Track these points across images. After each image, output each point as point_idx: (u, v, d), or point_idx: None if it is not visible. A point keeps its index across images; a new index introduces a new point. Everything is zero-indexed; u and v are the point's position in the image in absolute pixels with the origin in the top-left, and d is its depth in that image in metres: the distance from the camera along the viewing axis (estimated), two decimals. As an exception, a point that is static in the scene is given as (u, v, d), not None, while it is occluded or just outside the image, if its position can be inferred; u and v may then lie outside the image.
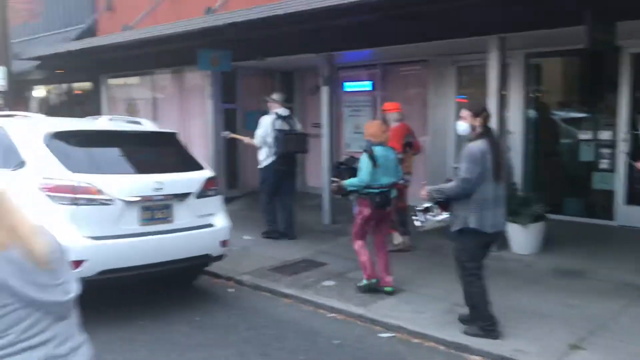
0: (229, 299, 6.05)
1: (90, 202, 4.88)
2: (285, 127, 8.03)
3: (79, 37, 12.78)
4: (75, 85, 15.27)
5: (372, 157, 5.62)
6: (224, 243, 5.79)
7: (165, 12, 10.76)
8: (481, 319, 4.73)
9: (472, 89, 8.97)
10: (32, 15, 15.01)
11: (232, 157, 11.17)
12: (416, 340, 4.90)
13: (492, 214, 4.62)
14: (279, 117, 8.03)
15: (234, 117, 11.30)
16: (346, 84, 10.63)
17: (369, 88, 10.41)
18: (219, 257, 5.87)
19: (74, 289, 1.79)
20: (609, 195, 7.94)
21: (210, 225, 5.70)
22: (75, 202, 4.80)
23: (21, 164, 5.13)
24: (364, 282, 5.90)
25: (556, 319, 5.06)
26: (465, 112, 4.75)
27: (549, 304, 5.45)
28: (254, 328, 5.19)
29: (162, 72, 12.29)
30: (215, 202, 5.81)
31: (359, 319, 5.34)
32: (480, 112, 4.74)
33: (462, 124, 4.77)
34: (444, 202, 4.79)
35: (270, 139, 7.92)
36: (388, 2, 6.55)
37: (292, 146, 8.04)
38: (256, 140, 8.07)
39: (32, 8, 15.02)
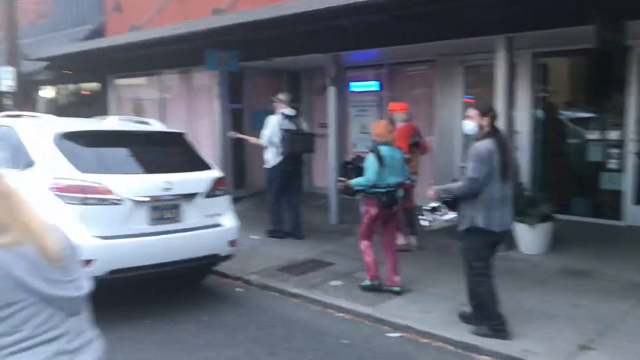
0: (237, 298, 6.07)
1: (100, 202, 4.91)
2: (292, 127, 8.05)
3: (87, 38, 12.84)
4: (83, 85, 15.34)
5: (379, 157, 5.63)
6: (232, 243, 5.81)
7: (173, 13, 10.79)
8: (490, 319, 4.73)
9: (479, 89, 8.96)
10: (40, 15, 15.08)
11: (239, 157, 11.19)
12: (424, 340, 4.91)
13: (500, 213, 4.62)
14: (286, 117, 8.05)
15: (241, 117, 11.33)
16: (353, 84, 10.63)
17: (376, 88, 10.41)
18: (228, 257, 5.89)
19: (85, 285, 1.82)
20: (617, 195, 7.91)
21: (218, 225, 5.72)
22: (84, 202, 4.84)
23: (31, 163, 5.16)
24: (367, 282, 5.93)
25: (564, 319, 5.06)
26: (472, 112, 4.75)
27: (557, 304, 5.44)
28: (262, 328, 5.20)
29: (170, 73, 12.33)
30: (223, 202, 5.84)
31: (367, 319, 5.35)
32: (487, 111, 4.74)
33: (469, 123, 4.77)
34: (451, 202, 4.79)
35: (276, 139, 7.94)
36: (395, 2, 6.56)
37: (298, 146, 8.06)
38: (263, 141, 8.09)
39: (40, 8, 15.09)
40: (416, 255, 7.17)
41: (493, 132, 4.71)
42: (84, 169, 4.99)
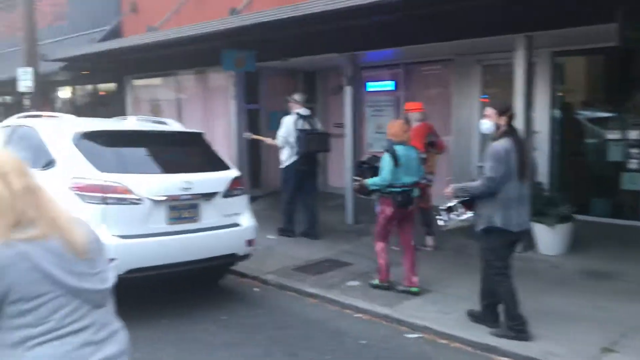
0: (254, 298, 6.08)
1: (119, 201, 4.94)
2: (307, 127, 8.06)
3: (104, 39, 12.94)
4: (100, 86, 15.47)
5: (394, 157, 5.61)
6: (249, 242, 5.82)
7: (189, 13, 10.85)
8: (510, 319, 4.69)
9: (497, 88, 8.88)
10: (58, 17, 15.23)
11: (254, 157, 11.21)
12: (443, 341, 4.87)
13: (517, 213, 4.61)
14: (301, 117, 8.06)
15: (257, 117, 11.35)
16: (369, 83, 10.60)
17: (392, 88, 10.37)
18: (245, 257, 5.90)
19: (110, 278, 1.87)
20: (637, 195, 7.79)
21: (236, 225, 5.73)
22: (104, 201, 4.87)
23: (51, 163, 5.21)
24: (376, 282, 5.98)
25: (586, 321, 4.99)
26: (490, 111, 4.73)
27: (578, 305, 5.38)
28: (280, 327, 5.20)
29: (186, 73, 12.39)
30: (241, 202, 5.85)
31: (385, 319, 5.33)
32: (505, 110, 4.73)
33: (486, 122, 4.75)
34: (468, 201, 4.77)
35: (292, 139, 7.96)
36: (412, 1, 6.53)
37: (314, 146, 8.08)
38: (278, 141, 8.11)
39: (58, 10, 15.24)
40: (433, 255, 7.13)
41: (510, 131, 4.69)
42: (103, 169, 5.02)
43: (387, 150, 5.71)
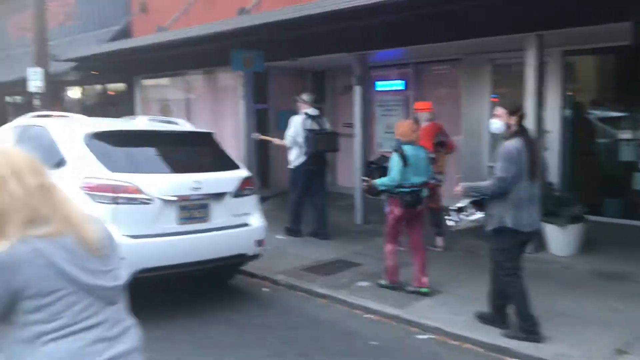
0: (264, 298, 6.07)
1: (130, 201, 4.94)
2: (315, 127, 8.05)
3: (114, 39, 12.99)
4: (109, 86, 15.53)
5: (403, 157, 5.59)
6: (259, 242, 5.81)
7: (198, 13, 10.86)
8: (522, 320, 4.65)
9: (507, 88, 8.84)
10: (68, 17, 15.29)
11: (263, 157, 11.21)
12: (454, 342, 4.85)
13: (528, 213, 4.58)
14: (309, 117, 8.05)
15: (266, 117, 11.35)
16: (378, 83, 10.58)
17: (402, 87, 10.34)
18: (255, 257, 5.89)
19: (123, 275, 1.89)
20: (650, 196, 7.74)
21: (246, 225, 5.72)
22: (115, 201, 4.87)
23: (62, 163, 5.22)
24: (384, 282, 5.97)
25: (599, 323, 4.95)
26: (500, 110, 4.70)
27: (591, 307, 5.33)
28: (291, 328, 5.19)
29: (195, 73, 12.41)
30: (251, 202, 5.84)
31: (395, 320, 5.31)
32: (515, 110, 4.71)
33: (496, 122, 4.72)
34: (478, 202, 4.74)
35: (300, 139, 7.95)
36: (422, 0, 6.50)
37: (322, 145, 8.06)
38: (286, 141, 8.11)
39: (68, 10, 15.31)
40: (443, 256, 7.09)
41: (521, 131, 4.66)
42: (114, 169, 5.03)
43: (396, 150, 5.69)
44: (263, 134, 9.67)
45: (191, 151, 6.07)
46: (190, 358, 4.60)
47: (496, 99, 8.38)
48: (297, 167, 8.10)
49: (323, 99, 11.47)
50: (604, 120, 8.48)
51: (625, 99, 8.33)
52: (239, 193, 5.66)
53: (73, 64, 13.04)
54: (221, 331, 5.10)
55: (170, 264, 5.17)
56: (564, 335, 4.69)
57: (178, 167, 5.57)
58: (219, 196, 5.49)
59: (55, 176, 5.21)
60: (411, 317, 5.25)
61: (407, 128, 5.84)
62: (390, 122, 10.15)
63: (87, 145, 5.23)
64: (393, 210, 5.77)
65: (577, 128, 8.42)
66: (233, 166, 5.90)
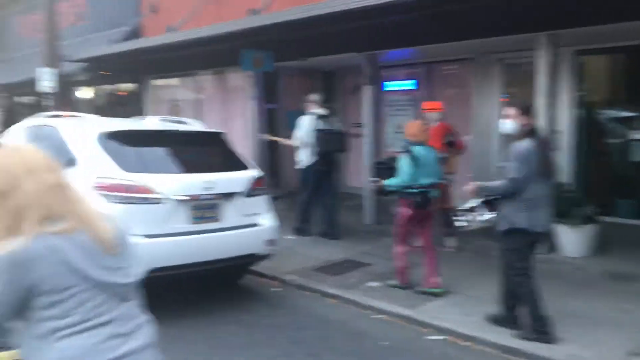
0: (274, 298, 6.08)
1: (143, 200, 4.96)
2: (324, 127, 8.05)
3: (124, 39, 13.04)
4: (119, 86, 15.59)
5: (412, 157, 5.57)
6: (270, 242, 5.82)
7: (208, 14, 10.88)
8: (533, 320, 4.63)
9: (517, 88, 8.79)
10: (78, 17, 15.38)
11: (273, 157, 11.22)
12: (465, 343, 4.83)
13: (540, 213, 4.58)
14: (318, 117, 8.04)
15: (276, 117, 11.36)
16: (388, 83, 10.55)
17: (412, 87, 10.31)
18: (265, 257, 5.91)
19: (137, 272, 1.91)
20: (663, 197, 7.66)
21: (257, 225, 5.73)
22: (128, 200, 4.89)
23: (74, 162, 5.23)
24: (395, 282, 5.96)
25: (611, 324, 4.91)
26: (511, 110, 4.68)
27: (603, 308, 5.30)
28: (301, 328, 5.19)
29: (205, 74, 12.43)
30: (262, 202, 5.85)
31: (406, 321, 5.30)
32: (527, 110, 4.69)
33: (507, 122, 4.70)
34: (489, 202, 4.72)
35: (309, 139, 7.94)
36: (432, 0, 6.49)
37: (331, 146, 8.06)
38: (295, 141, 8.11)
39: (78, 11, 15.39)
40: (455, 256, 7.07)
41: (532, 131, 4.64)
42: (127, 168, 5.05)
43: (405, 151, 5.67)
44: (272, 134, 9.68)
45: (202, 151, 6.09)
46: (200, 357, 4.60)
47: (506, 99, 8.34)
48: (307, 168, 8.10)
49: (333, 99, 11.46)
50: (616, 120, 8.41)
51: (637, 98, 8.25)
52: (250, 193, 5.68)
53: (83, 64, 13.11)
54: (230, 331, 5.11)
55: (182, 264, 5.19)
56: (575, 336, 4.66)
57: (189, 167, 5.59)
58: (230, 196, 5.51)
59: (68, 176, 5.21)
60: (422, 318, 5.24)
61: (417, 128, 5.83)
62: (400, 122, 10.13)
63: (100, 144, 5.26)
64: (402, 211, 5.76)
65: (588, 128, 8.35)
66: (244, 166, 5.92)
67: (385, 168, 6.01)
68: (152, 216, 5.03)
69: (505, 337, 4.72)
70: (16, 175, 1.75)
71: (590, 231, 6.84)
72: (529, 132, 4.62)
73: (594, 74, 8.62)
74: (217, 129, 6.63)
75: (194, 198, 5.25)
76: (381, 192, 6.01)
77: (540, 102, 6.84)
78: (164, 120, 6.67)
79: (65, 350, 1.71)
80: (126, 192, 4.89)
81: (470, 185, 4.84)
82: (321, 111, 8.13)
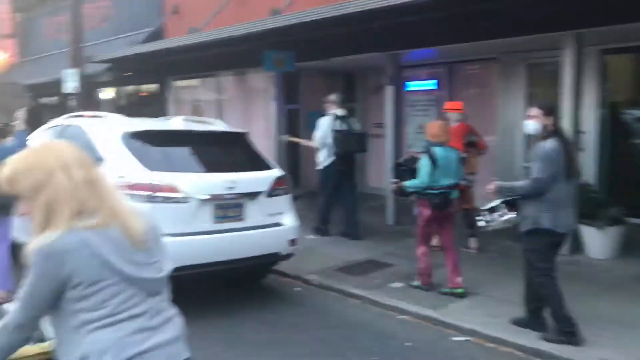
0: (296, 298, 6.07)
1: (167, 200, 4.99)
2: (344, 127, 8.03)
3: (147, 40, 13.15)
4: (142, 87, 15.74)
5: (432, 158, 5.53)
6: (292, 242, 5.82)
7: (230, 14, 10.93)
8: (558, 321, 4.56)
9: (542, 87, 8.69)
10: (103, 19, 15.56)
11: (294, 157, 11.24)
12: (491, 345, 4.78)
13: (565, 214, 4.53)
14: (337, 117, 8.03)
15: (297, 117, 11.37)
16: (410, 83, 10.50)
17: (434, 87, 10.25)
18: (288, 256, 5.91)
19: (166, 267, 1.93)
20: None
21: (279, 224, 5.74)
22: (153, 199, 4.92)
23: (100, 161, 5.29)
24: (417, 283, 5.93)
25: (640, 328, 4.82)
26: (536, 111, 4.63)
27: (633, 311, 5.19)
28: (324, 328, 5.18)
29: (226, 74, 12.49)
30: (284, 201, 5.86)
31: (430, 322, 5.26)
32: (551, 110, 4.64)
33: (531, 123, 4.65)
34: (511, 202, 4.68)
35: (329, 140, 7.94)
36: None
37: (350, 146, 8.05)
38: (315, 142, 8.11)
39: (103, 13, 15.57)
40: (478, 257, 7.01)
41: (556, 131, 4.59)
42: (152, 168, 5.09)
43: (425, 152, 5.63)
44: (293, 135, 9.69)
45: (226, 151, 6.11)
46: (222, 355, 4.62)
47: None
48: (326, 168, 8.10)
49: (354, 99, 11.44)
50: (643, 120, 8.27)
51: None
52: (272, 192, 5.69)
53: (107, 65, 13.26)
54: (255, 330, 5.12)
55: (206, 262, 5.22)
56: (606, 339, 4.58)
57: (213, 166, 5.62)
58: (253, 195, 5.52)
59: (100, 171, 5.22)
60: (446, 319, 5.19)
61: (438, 129, 5.78)
62: (422, 122, 10.07)
63: (126, 144, 5.31)
64: (423, 212, 5.73)
65: (613, 128, 8.22)
66: (266, 166, 5.93)
67: (406, 169, 5.97)
68: (176, 215, 5.06)
69: (531, 339, 4.65)
70: (50, 171, 1.78)
71: (616, 233, 6.73)
72: (553, 132, 4.57)
73: (619, 74, 8.49)
74: (240, 129, 6.64)
75: (217, 197, 5.28)
76: (401, 193, 5.97)
77: (565, 102, 6.75)
78: (187, 120, 6.70)
79: (95, 342, 1.74)
80: (151, 190, 4.92)
81: (492, 185, 4.79)
82: (340, 112, 8.11)
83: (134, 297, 1.80)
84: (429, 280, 5.86)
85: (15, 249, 4.71)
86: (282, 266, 6.34)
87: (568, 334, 4.51)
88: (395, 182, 6.03)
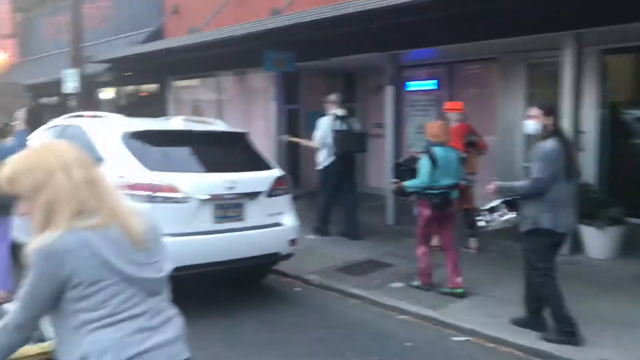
0: (296, 298, 6.07)
1: (167, 200, 4.99)
2: (344, 127, 8.03)
3: (147, 40, 13.14)
4: (142, 87, 15.73)
5: (432, 158, 5.53)
6: (292, 242, 5.82)
7: (230, 14, 10.93)
8: (558, 321, 4.56)
9: (541, 87, 8.69)
10: (103, 19, 15.56)
11: (294, 157, 11.23)
12: (491, 345, 4.78)
13: (565, 214, 4.53)
14: (337, 117, 8.04)
15: (297, 117, 11.37)
16: (410, 83, 10.50)
17: (434, 87, 10.25)
18: (288, 256, 5.91)
19: (166, 267, 1.93)
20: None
21: (279, 224, 5.74)
22: (153, 199, 4.92)
23: (101, 161, 5.29)
24: (417, 283, 5.93)
25: (640, 328, 4.82)
26: (536, 111, 4.63)
27: (634, 312, 5.19)
28: (324, 328, 5.18)
29: (226, 74, 12.49)
30: (284, 201, 5.86)
31: (430, 322, 5.26)
32: (551, 110, 4.64)
33: (531, 123, 4.65)
34: (511, 202, 4.68)
35: (329, 140, 7.94)
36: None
37: (350, 146, 8.06)
38: (315, 142, 8.11)
39: (103, 13, 15.57)
40: (478, 257, 7.00)
41: (556, 131, 4.59)
42: (152, 168, 5.09)
43: (425, 152, 5.63)
44: (293, 135, 9.69)
45: (226, 151, 6.11)
46: (222, 355, 4.62)
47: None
48: (326, 168, 8.10)
49: (354, 99, 11.44)
50: (643, 120, 8.27)
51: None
52: (272, 192, 5.69)
53: (107, 65, 13.26)
54: (255, 329, 5.12)
55: (206, 262, 5.22)
56: (605, 339, 4.58)
57: (213, 166, 5.62)
58: (253, 195, 5.52)
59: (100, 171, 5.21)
60: (446, 319, 5.19)
61: (438, 129, 5.79)
62: (422, 122, 10.07)
63: (126, 144, 5.31)
64: (423, 212, 5.73)
65: (613, 128, 8.23)
66: (267, 166, 5.93)
67: (406, 169, 5.97)
68: (176, 215, 5.06)
69: (531, 339, 4.65)
70: (50, 171, 1.78)
71: (616, 233, 6.73)
72: (553, 132, 4.58)
73: (619, 74, 8.49)
74: (240, 129, 6.64)
75: (217, 197, 5.28)
76: (401, 193, 5.97)
77: (565, 102, 6.75)
78: (187, 120, 6.70)
79: (95, 342, 1.74)
80: (151, 190, 4.92)
81: (492, 185, 4.79)
82: (340, 112, 8.11)
83: (134, 297, 1.80)
84: (429, 280, 5.86)
85: (15, 249, 4.71)
86: (282, 266, 6.34)
87: (568, 334, 4.51)
88: (395, 182, 6.03)
